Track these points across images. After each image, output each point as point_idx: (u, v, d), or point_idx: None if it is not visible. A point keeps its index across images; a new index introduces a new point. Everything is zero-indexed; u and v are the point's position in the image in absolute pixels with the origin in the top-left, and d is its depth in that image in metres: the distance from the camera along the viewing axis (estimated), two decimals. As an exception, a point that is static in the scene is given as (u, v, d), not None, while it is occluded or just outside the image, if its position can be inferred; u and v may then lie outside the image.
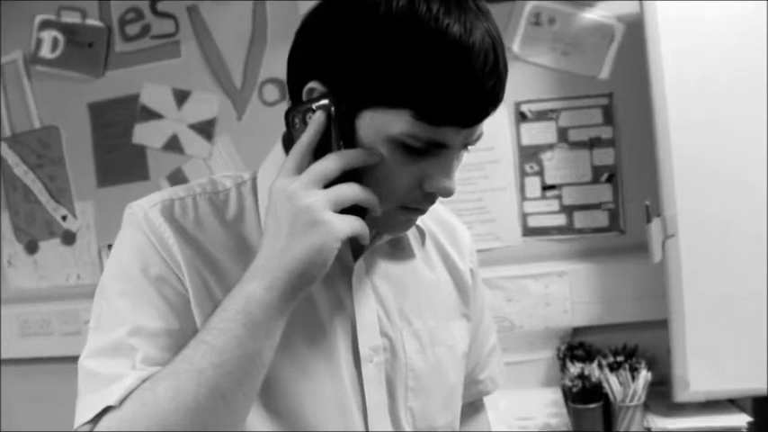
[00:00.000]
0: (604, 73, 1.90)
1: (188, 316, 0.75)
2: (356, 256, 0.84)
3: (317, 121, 0.73)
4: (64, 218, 2.20)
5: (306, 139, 0.73)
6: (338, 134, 0.73)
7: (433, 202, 0.79)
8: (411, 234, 0.92)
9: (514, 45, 1.90)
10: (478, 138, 0.77)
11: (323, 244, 0.68)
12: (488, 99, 0.71)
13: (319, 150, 0.73)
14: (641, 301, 1.84)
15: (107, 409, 0.68)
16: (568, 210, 1.94)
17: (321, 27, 0.75)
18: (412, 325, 0.88)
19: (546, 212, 1.95)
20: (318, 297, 0.81)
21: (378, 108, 0.71)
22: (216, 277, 0.77)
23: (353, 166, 0.72)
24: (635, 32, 1.80)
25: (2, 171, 2.23)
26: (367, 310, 0.84)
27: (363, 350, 0.83)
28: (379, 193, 0.73)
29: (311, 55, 0.75)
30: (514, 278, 1.93)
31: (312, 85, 0.74)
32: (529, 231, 1.97)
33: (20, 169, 2.22)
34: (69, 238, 2.20)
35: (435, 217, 0.98)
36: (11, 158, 2.23)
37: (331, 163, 0.71)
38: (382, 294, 0.86)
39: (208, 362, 0.66)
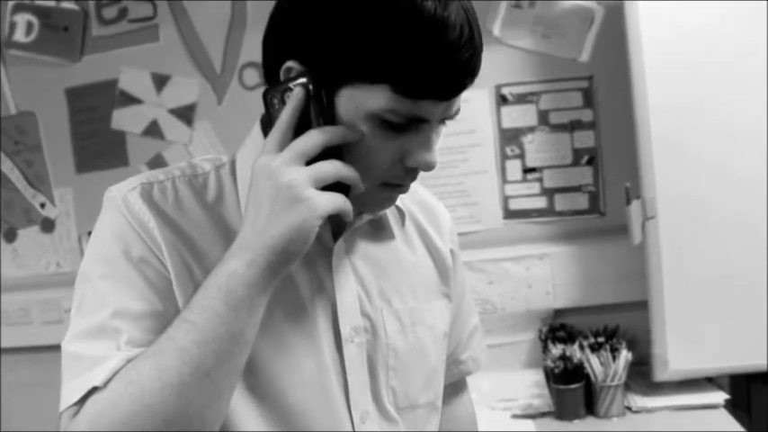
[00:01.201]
0: (584, 56, 1.90)
1: (170, 297, 0.75)
2: (336, 237, 0.84)
3: (295, 98, 0.73)
4: (42, 205, 2.17)
5: (286, 116, 0.73)
6: (318, 111, 0.73)
7: (414, 177, 0.80)
8: (391, 215, 0.92)
9: (495, 28, 1.89)
10: (456, 112, 0.77)
11: (303, 221, 0.68)
12: (465, 71, 0.72)
13: (299, 128, 0.73)
14: (622, 282, 1.86)
15: (93, 391, 0.68)
16: (549, 192, 1.95)
17: (296, 6, 0.74)
18: (392, 305, 0.88)
19: (527, 195, 1.96)
20: (299, 278, 0.81)
21: (356, 84, 0.72)
22: (197, 259, 0.77)
23: (334, 143, 0.72)
24: (615, 15, 1.80)
25: (-22, 158, 2.20)
26: (347, 291, 0.84)
27: (344, 330, 0.83)
28: (360, 170, 0.74)
29: (287, 34, 0.75)
30: (496, 261, 1.94)
31: (289, 64, 0.74)
32: (510, 214, 1.98)
33: (-4, 156, 2.19)
34: (48, 226, 2.17)
35: (415, 198, 0.98)
36: (-14, 145, 2.19)
37: (311, 139, 0.71)
38: (362, 275, 0.87)
39: (190, 340, 0.67)
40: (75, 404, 0.69)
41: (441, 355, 0.95)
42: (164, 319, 0.72)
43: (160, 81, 2.11)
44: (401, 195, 0.84)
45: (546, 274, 1.92)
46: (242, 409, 0.77)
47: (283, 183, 0.69)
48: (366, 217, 0.86)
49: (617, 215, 1.86)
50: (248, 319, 0.69)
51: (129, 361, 0.69)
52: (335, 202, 0.70)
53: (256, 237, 0.69)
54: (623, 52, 1.67)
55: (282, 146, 0.72)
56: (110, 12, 2.13)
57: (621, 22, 1.67)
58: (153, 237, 0.76)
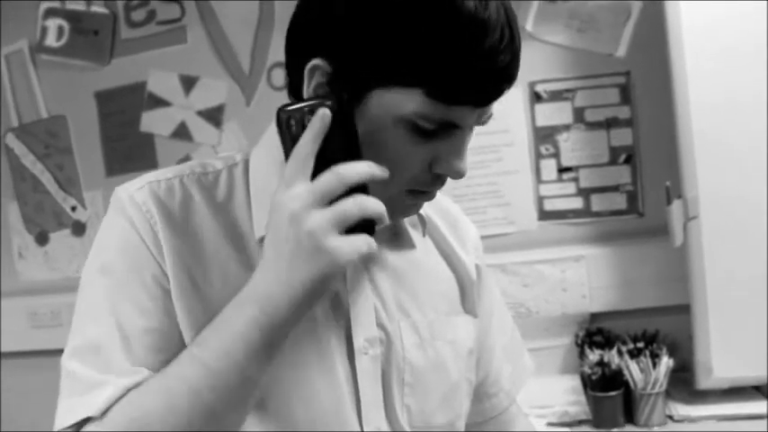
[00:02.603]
0: (621, 51, 1.84)
1: (170, 310, 0.73)
2: None
3: (319, 123, 0.66)
4: (73, 208, 2.18)
5: (307, 145, 0.66)
6: (343, 142, 0.67)
7: (442, 184, 0.76)
8: (411, 223, 0.88)
9: (528, 23, 1.85)
10: (489, 117, 0.73)
11: (326, 274, 0.64)
12: (503, 76, 0.69)
13: (321, 154, 0.66)
14: (662, 285, 1.80)
15: (88, 419, 0.67)
16: (585, 192, 1.89)
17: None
18: (410, 317, 0.84)
19: (562, 195, 1.91)
20: None
21: (388, 87, 0.68)
22: (200, 262, 0.74)
23: (359, 183, 0.66)
24: (652, 8, 1.74)
25: (10, 161, 2.22)
26: (363, 300, 0.80)
27: (358, 342, 0.79)
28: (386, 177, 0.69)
29: (315, 29, 0.71)
30: (530, 263, 1.89)
31: (315, 62, 0.70)
32: (545, 215, 1.92)
33: (28, 159, 2.20)
34: (79, 229, 2.18)
35: (438, 207, 0.93)
36: (18, 148, 2.21)
37: (336, 180, 0.65)
38: (379, 284, 0.82)
39: (205, 384, 0.65)
40: (70, 427, 0.68)
41: (464, 372, 0.89)
42: (163, 335, 0.71)
43: (188, 83, 2.10)
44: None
45: (582, 276, 1.87)
46: (248, 426, 0.73)
47: (304, 231, 0.63)
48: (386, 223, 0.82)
49: (656, 216, 1.80)
50: (263, 366, 0.67)
51: (128, 390, 0.67)
52: (360, 248, 0.64)
53: (276, 285, 0.65)
54: (662, 46, 1.60)
55: (303, 176, 0.65)
56: (138, 14, 2.13)
57: (660, 15, 1.61)
58: (157, 242, 0.73)
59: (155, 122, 2.12)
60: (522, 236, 1.93)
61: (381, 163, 0.68)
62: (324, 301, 0.78)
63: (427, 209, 0.89)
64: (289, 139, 0.68)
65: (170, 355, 0.69)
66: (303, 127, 0.67)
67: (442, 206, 0.95)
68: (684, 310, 1.65)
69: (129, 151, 2.14)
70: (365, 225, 0.66)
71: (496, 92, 0.69)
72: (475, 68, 0.66)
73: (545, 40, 1.87)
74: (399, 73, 0.67)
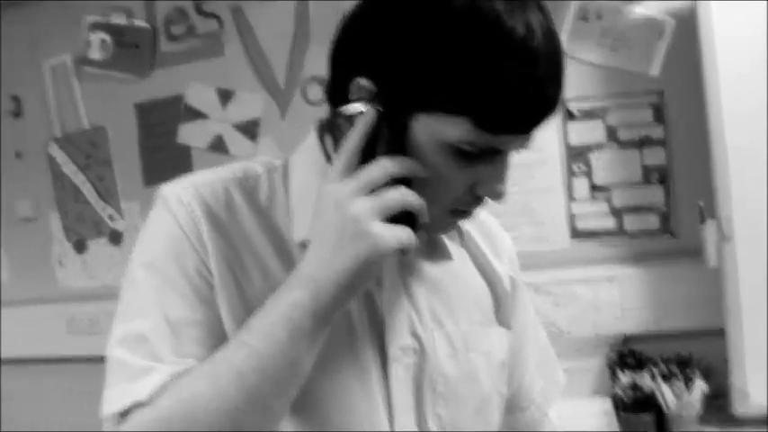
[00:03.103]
0: (654, 69, 1.82)
1: (214, 305, 0.74)
2: None
3: (366, 121, 0.69)
4: (111, 217, 2.23)
5: (354, 141, 0.69)
6: (388, 139, 0.70)
7: (481, 204, 0.77)
8: (448, 234, 0.88)
9: (561, 41, 1.84)
10: (532, 142, 0.74)
11: (368, 258, 0.66)
12: (549, 106, 0.69)
13: (366, 153, 0.70)
14: (695, 307, 1.76)
15: (136, 404, 0.68)
16: (618, 212, 1.87)
17: (376, 18, 0.71)
18: (444, 327, 0.84)
19: (595, 214, 1.89)
20: None
21: (434, 113, 0.69)
22: (243, 264, 0.76)
23: (402, 176, 0.69)
24: (686, 28, 1.73)
25: (52, 171, 2.28)
26: (397, 309, 0.81)
27: (392, 350, 0.79)
28: (429, 198, 0.70)
29: (362, 48, 0.72)
30: (562, 282, 1.87)
31: (361, 81, 0.70)
32: (577, 234, 1.91)
33: (69, 169, 2.26)
34: (116, 238, 2.23)
35: (475, 220, 0.94)
36: (60, 158, 2.27)
37: (380, 169, 0.68)
38: (414, 294, 0.83)
39: (250, 366, 0.66)
40: (118, 414, 0.69)
41: (496, 384, 0.89)
42: (207, 327, 0.72)
43: (225, 96, 2.14)
44: None
45: (614, 297, 1.84)
46: (282, 426, 0.74)
47: (349, 216, 0.66)
48: (421, 235, 0.83)
49: (690, 236, 1.77)
50: (309, 350, 0.69)
51: (175, 376, 0.68)
52: (401, 238, 0.67)
53: (322, 270, 0.67)
54: (695, 66, 1.59)
55: (349, 172, 0.69)
56: (178, 29, 2.18)
57: (693, 35, 1.59)
58: (202, 240, 0.75)
59: (192, 135, 2.16)
60: (554, 254, 1.91)
61: (425, 185, 0.70)
62: (360, 306, 0.79)
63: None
64: (336, 139, 0.72)
65: (214, 348, 0.70)
66: (351, 127, 0.70)
67: (478, 218, 0.96)
68: (719, 333, 1.62)
69: (166, 162, 2.19)
70: (407, 220, 0.69)
71: (541, 120, 0.70)
72: (522, 101, 0.67)
73: (578, 58, 1.86)
74: (448, 101, 0.67)
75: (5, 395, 2.25)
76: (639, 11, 1.82)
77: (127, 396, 0.68)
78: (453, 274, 0.88)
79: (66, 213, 2.27)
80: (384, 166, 0.68)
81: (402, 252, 0.69)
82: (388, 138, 0.70)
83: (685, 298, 1.79)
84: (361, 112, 0.70)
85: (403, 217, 0.68)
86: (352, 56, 0.73)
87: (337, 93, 0.74)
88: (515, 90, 0.65)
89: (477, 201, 0.75)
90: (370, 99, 0.70)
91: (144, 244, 0.78)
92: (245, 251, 0.76)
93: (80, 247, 2.26)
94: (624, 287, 1.84)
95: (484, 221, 0.97)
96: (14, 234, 2.33)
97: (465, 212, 0.77)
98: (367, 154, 0.69)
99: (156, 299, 0.73)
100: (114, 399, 0.70)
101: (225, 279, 0.74)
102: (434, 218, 0.74)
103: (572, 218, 1.91)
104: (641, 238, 1.86)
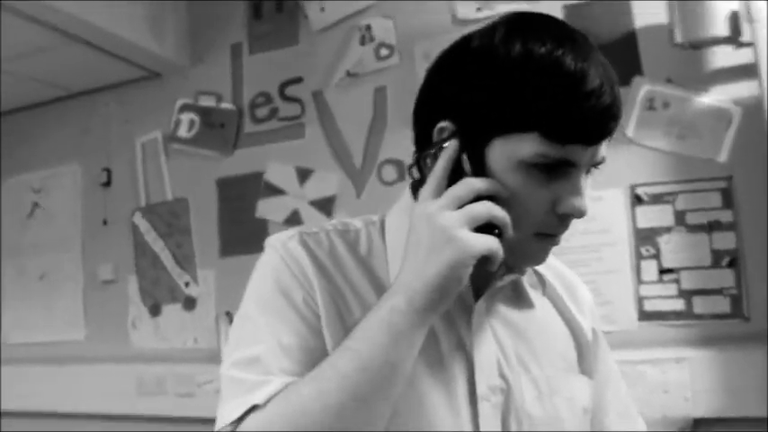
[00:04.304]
0: (722, 156, 1.88)
1: (321, 337, 0.80)
2: (477, 298, 0.86)
3: (450, 149, 0.78)
4: (187, 284, 2.31)
5: (440, 166, 0.78)
6: (470, 162, 0.78)
7: (567, 226, 0.82)
8: (531, 284, 0.94)
9: (629, 129, 1.93)
10: (602, 160, 0.81)
11: (457, 259, 0.72)
12: (607, 115, 0.76)
13: (452, 180, 0.78)
14: (768, 393, 1.74)
15: (251, 410, 0.72)
16: (687, 294, 1.89)
17: (447, 72, 0.82)
18: (530, 371, 0.88)
19: (663, 296, 1.91)
20: (440, 332, 0.83)
21: (507, 135, 0.77)
22: (348, 306, 0.82)
23: (486, 192, 0.77)
24: (753, 115, 1.79)
25: (134, 238, 2.40)
26: (486, 350, 0.85)
27: (481, 388, 0.83)
28: (513, 220, 0.77)
29: (439, 98, 0.82)
30: (630, 363, 1.87)
31: (442, 124, 0.80)
32: (645, 315, 1.92)
33: (150, 236, 2.38)
34: (190, 304, 2.31)
35: (556, 272, 1.00)
36: (143, 226, 2.39)
37: (466, 186, 0.76)
38: (501, 337, 0.87)
39: (352, 367, 0.71)
40: (233, 423, 0.73)
41: (579, 429, 0.92)
42: (315, 354, 0.77)
43: (303, 174, 2.25)
44: (540, 267, 0.87)
45: (684, 379, 1.83)
46: None
47: (439, 225, 0.74)
48: (508, 278, 0.88)
49: (762, 320, 1.77)
50: (407, 351, 0.73)
51: (287, 385, 0.73)
52: (487, 243, 0.74)
53: (415, 275, 0.74)
54: (763, 150, 1.64)
55: (438, 193, 0.77)
56: (262, 111, 2.33)
57: (761, 121, 1.66)
58: (309, 279, 0.82)
59: (269, 209, 2.27)
60: (622, 335, 1.91)
61: (508, 208, 0.77)
62: (451, 346, 0.84)
63: (545, 272, 0.96)
64: (424, 176, 0.81)
65: None
66: (436, 160, 0.79)
67: (558, 270, 1.01)
68: (795, 419, 1.59)
69: (243, 235, 2.29)
70: (493, 233, 0.75)
71: (603, 130, 0.77)
72: (580, 108, 0.74)
73: (645, 145, 1.94)
74: (516, 121, 0.76)
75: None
76: (706, 100, 1.90)
77: (243, 405, 0.73)
78: (536, 322, 0.92)
79: (144, 278, 2.37)
80: (469, 183, 0.76)
81: (488, 261, 0.75)
82: (470, 165, 0.78)
83: (758, 383, 1.76)
84: (442, 147, 0.79)
85: (489, 230, 0.75)
86: (432, 105, 0.83)
87: (423, 140, 0.83)
88: (571, 101, 0.74)
89: (561, 222, 0.81)
90: (452, 137, 0.79)
91: (254, 284, 0.85)
92: (347, 289, 0.83)
93: (155, 310, 2.34)
94: (695, 369, 1.82)
95: (564, 273, 1.02)
96: (95, 295, 2.43)
97: (551, 237, 0.82)
98: (452, 181, 0.78)
99: (268, 328, 0.79)
100: (231, 409, 0.74)
101: (329, 311, 0.81)
102: (522, 244, 0.80)
103: (640, 299, 1.92)
104: (711, 321, 1.86)
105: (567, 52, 0.75)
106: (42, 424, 2.35)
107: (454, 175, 0.78)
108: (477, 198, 0.76)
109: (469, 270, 0.73)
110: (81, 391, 2.30)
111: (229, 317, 2.15)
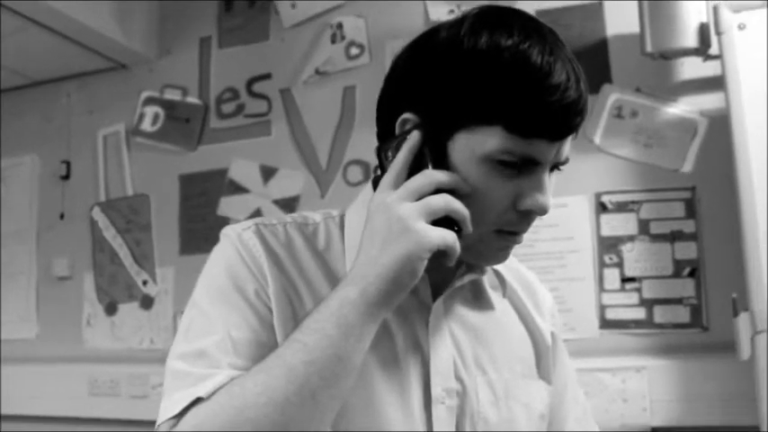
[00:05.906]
0: (687, 166, 1.89)
1: (272, 331, 0.78)
2: (435, 297, 0.85)
3: (411, 140, 0.76)
4: (144, 282, 2.26)
5: (401, 157, 0.76)
6: (432, 154, 0.77)
7: (528, 224, 0.81)
8: (491, 285, 0.92)
9: (596, 136, 1.93)
10: (566, 160, 0.80)
11: (412, 251, 0.71)
12: (572, 110, 0.75)
13: (413, 172, 0.76)
14: (728, 403, 1.74)
15: (195, 403, 0.70)
16: (648, 303, 1.89)
17: (411, 64, 0.80)
18: (486, 374, 0.86)
19: (625, 305, 1.91)
20: (395, 330, 0.82)
21: (471, 127, 0.75)
22: (300, 300, 0.80)
23: (446, 185, 0.75)
24: (719, 126, 1.80)
25: (92, 233, 2.34)
26: (442, 351, 0.84)
27: (435, 391, 0.82)
28: (474, 215, 0.75)
29: (403, 90, 0.80)
30: (590, 371, 1.87)
31: (405, 116, 0.78)
32: (606, 324, 1.92)
33: (109, 233, 2.33)
34: (147, 303, 2.26)
35: (516, 275, 0.98)
36: (102, 221, 2.34)
37: (426, 178, 0.74)
38: (458, 339, 0.86)
39: (299, 359, 0.69)
40: (174, 417, 0.71)
41: None
42: (265, 349, 0.74)
43: (268, 173, 2.22)
44: (501, 268, 0.86)
45: (643, 388, 1.83)
46: None
47: (395, 216, 0.72)
48: (468, 278, 0.87)
49: (721, 330, 1.78)
50: (357, 345, 0.71)
51: (233, 379, 0.71)
52: (444, 236, 0.72)
53: (369, 266, 0.72)
54: (728, 164, 1.65)
55: (397, 185, 0.75)
56: (228, 107, 2.30)
57: (726, 132, 1.67)
58: (263, 272, 0.80)
59: (232, 207, 2.23)
60: (583, 343, 1.91)
61: (469, 201, 0.75)
62: (407, 347, 0.82)
63: (506, 274, 0.94)
64: (385, 168, 0.79)
65: None
66: (398, 152, 0.77)
67: (519, 273, 0.99)
68: (752, 430, 1.60)
69: (204, 232, 2.25)
70: (451, 228, 0.73)
71: (568, 126, 0.76)
72: (545, 102, 0.73)
73: (612, 153, 1.94)
74: (480, 113, 0.74)
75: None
76: (673, 110, 1.91)
77: (186, 398, 0.71)
78: (495, 324, 0.91)
79: (101, 275, 2.31)
80: (429, 175, 0.74)
81: (445, 256, 0.73)
82: (431, 157, 0.76)
83: (717, 393, 1.77)
84: (405, 139, 0.77)
85: (448, 224, 0.73)
86: (396, 96, 0.81)
87: (386, 133, 0.82)
88: (536, 95, 0.73)
89: (522, 220, 0.79)
90: (415, 129, 0.77)
91: (207, 274, 0.83)
92: (301, 283, 0.81)
93: (111, 309, 2.28)
94: (654, 378, 1.82)
95: (525, 275, 1.01)
96: (49, 292, 2.37)
97: (512, 234, 0.81)
98: (413, 173, 0.76)
99: (218, 320, 0.77)
100: (174, 402, 0.72)
101: (282, 304, 0.79)
102: (483, 240, 0.78)
103: (602, 308, 1.92)
104: (672, 331, 1.87)
105: (534, 45, 0.73)
106: (-10, 426, 2.28)
107: (415, 168, 0.76)
108: (438, 191, 0.74)
109: (424, 263, 0.72)
110: (31, 392, 2.23)
111: (188, 316, 2.10)
